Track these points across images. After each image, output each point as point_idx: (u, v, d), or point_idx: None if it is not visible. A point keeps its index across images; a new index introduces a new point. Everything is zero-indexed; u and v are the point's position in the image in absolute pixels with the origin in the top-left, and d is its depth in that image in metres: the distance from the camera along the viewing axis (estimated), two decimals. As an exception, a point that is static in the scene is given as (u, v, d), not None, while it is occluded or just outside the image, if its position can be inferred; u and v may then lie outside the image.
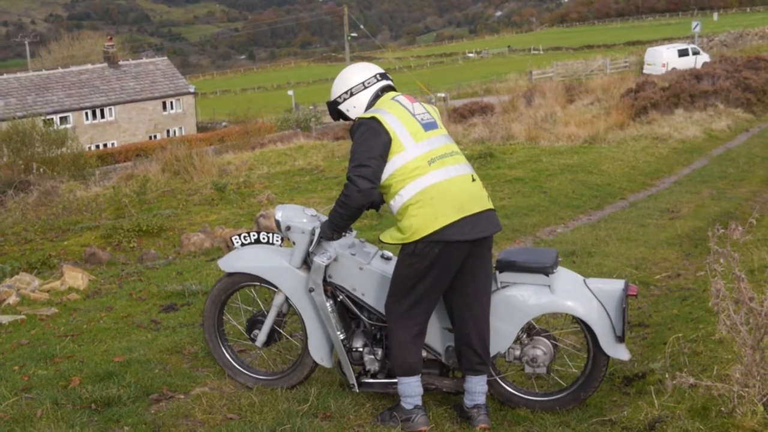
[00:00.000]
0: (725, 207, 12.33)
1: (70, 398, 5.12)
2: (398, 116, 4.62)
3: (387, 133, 4.53)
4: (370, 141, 4.52)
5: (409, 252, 4.59)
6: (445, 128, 4.90)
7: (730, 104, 25.41)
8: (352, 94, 4.80)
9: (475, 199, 4.64)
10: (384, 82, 4.86)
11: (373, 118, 4.57)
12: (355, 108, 4.81)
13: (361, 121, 4.61)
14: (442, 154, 4.66)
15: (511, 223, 11.06)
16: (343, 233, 4.87)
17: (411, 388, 4.75)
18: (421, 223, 4.50)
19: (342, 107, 4.85)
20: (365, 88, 4.80)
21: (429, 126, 4.72)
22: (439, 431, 4.72)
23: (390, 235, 4.66)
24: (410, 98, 4.83)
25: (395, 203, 4.62)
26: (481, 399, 4.81)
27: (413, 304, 4.66)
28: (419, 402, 4.77)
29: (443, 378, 5.02)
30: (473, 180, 4.71)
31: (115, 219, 14.96)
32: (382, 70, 4.92)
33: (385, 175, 4.58)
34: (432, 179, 4.55)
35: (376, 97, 4.81)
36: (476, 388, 4.80)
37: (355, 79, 4.82)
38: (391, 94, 4.84)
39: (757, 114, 25.73)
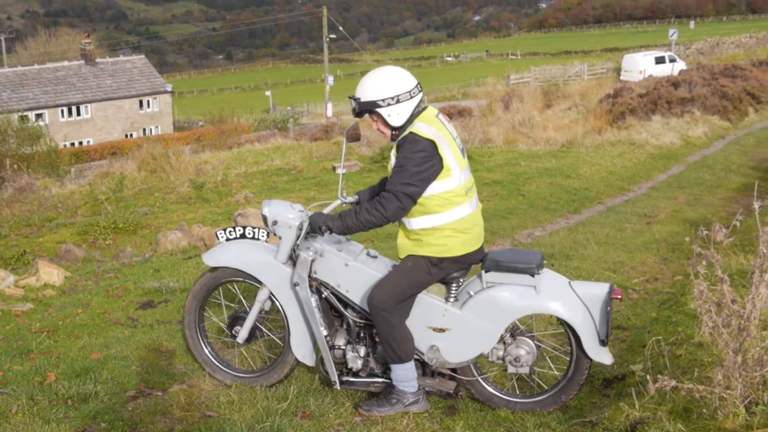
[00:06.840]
0: (702, 213, 12.42)
1: (46, 394, 5.07)
2: (447, 140, 4.64)
3: (441, 160, 4.58)
4: (426, 164, 4.54)
5: (428, 264, 4.75)
6: None
7: (706, 111, 25.59)
8: (398, 102, 4.67)
9: (482, 229, 4.94)
10: (421, 95, 4.82)
11: (432, 143, 4.55)
12: (398, 116, 4.70)
13: (416, 139, 4.56)
14: (472, 184, 4.85)
15: (489, 225, 11.06)
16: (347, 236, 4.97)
17: (409, 373, 4.87)
18: (454, 246, 4.72)
19: (383, 111, 4.69)
20: (411, 98, 4.71)
21: (463, 152, 4.85)
22: (419, 431, 4.70)
23: (410, 249, 4.78)
24: (446, 118, 4.88)
25: (422, 221, 4.71)
26: None
27: (406, 297, 4.79)
28: (416, 385, 4.92)
29: (425, 377, 5.02)
30: None
31: (91, 216, 14.85)
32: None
33: (424, 194, 4.64)
34: (468, 210, 4.76)
35: (416, 107, 4.76)
36: None
37: (401, 87, 4.68)
38: (433, 110, 4.81)
39: (733, 122, 25.94)
